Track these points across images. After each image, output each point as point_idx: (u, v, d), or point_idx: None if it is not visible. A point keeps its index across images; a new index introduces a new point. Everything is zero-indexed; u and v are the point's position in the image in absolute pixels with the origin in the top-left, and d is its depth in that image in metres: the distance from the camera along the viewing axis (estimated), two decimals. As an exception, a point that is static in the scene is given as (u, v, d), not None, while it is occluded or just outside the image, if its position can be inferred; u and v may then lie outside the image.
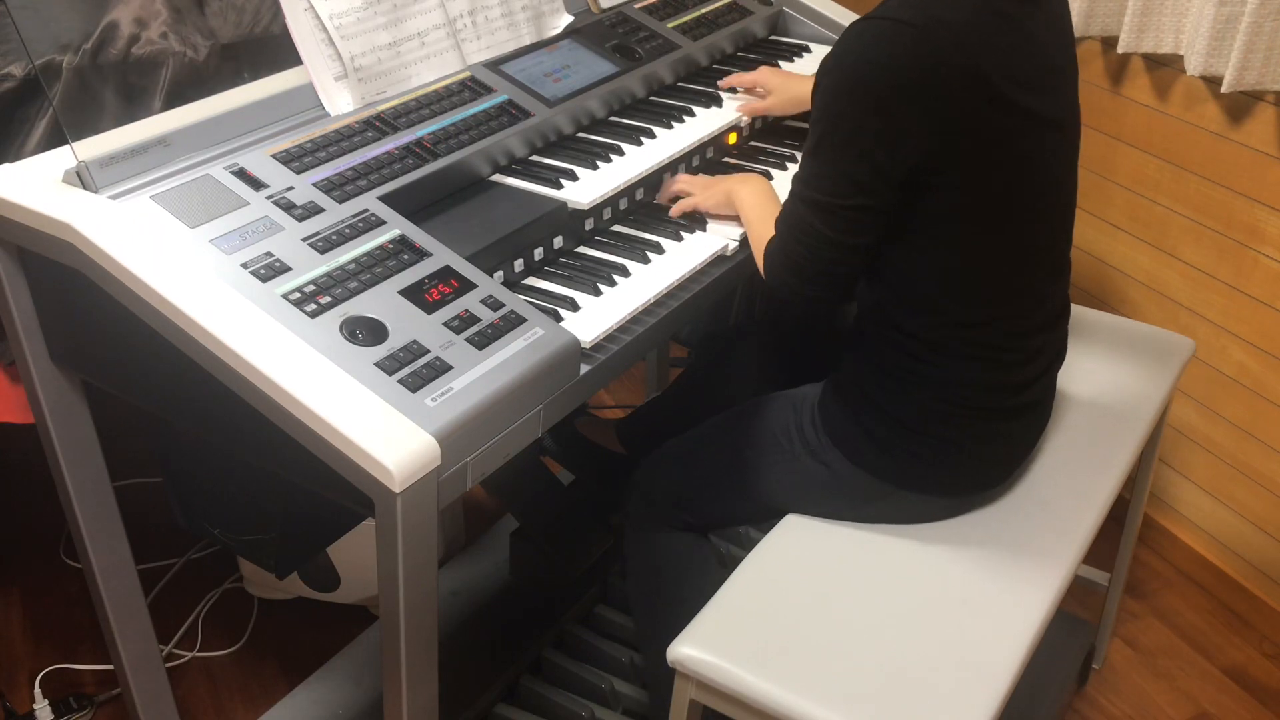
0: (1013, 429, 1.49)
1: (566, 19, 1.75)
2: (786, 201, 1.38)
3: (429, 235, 1.29)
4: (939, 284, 1.36)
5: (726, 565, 1.52)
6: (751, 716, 1.30)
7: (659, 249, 1.48)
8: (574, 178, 1.51)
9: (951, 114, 1.26)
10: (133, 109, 1.46)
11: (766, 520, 1.53)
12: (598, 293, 1.38)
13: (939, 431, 1.42)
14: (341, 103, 1.43)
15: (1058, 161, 1.40)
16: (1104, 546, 1.99)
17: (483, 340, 1.18)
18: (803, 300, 1.40)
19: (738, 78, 1.81)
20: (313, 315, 1.15)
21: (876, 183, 1.28)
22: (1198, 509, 2.34)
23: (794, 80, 1.78)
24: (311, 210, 1.27)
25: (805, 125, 1.86)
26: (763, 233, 1.43)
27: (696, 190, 1.56)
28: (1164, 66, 2.15)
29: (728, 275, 1.50)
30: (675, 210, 1.55)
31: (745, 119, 1.75)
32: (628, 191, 1.56)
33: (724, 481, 1.58)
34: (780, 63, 1.95)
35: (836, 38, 2.17)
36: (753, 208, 1.49)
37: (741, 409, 1.60)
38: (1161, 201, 2.23)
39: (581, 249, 1.49)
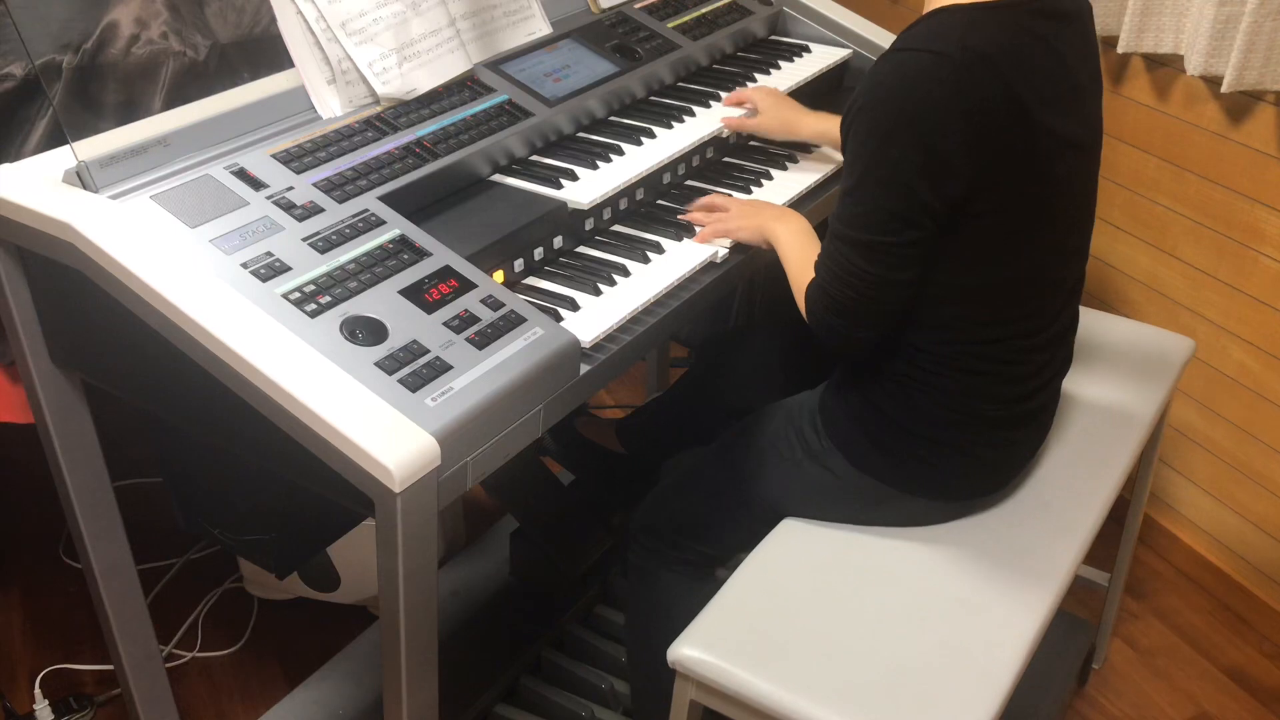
0: (1016, 435, 1.48)
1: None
2: (826, 244, 1.34)
3: (429, 235, 1.29)
4: (954, 302, 1.35)
5: (727, 565, 1.52)
6: (751, 716, 1.30)
7: (659, 249, 1.48)
8: (574, 177, 1.51)
9: (993, 145, 1.25)
10: (133, 109, 1.46)
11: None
12: (598, 292, 1.38)
13: (942, 436, 1.42)
14: (334, 106, 1.43)
15: (1080, 181, 1.39)
16: (1104, 547, 1.99)
17: (483, 340, 1.18)
18: (851, 344, 1.35)
19: (735, 95, 1.76)
20: (313, 315, 1.15)
21: (921, 216, 1.26)
22: (1198, 509, 2.34)
23: (786, 103, 1.74)
24: (311, 210, 1.27)
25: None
26: (802, 277, 1.39)
27: (732, 211, 1.52)
28: (1164, 66, 2.15)
29: (728, 275, 1.50)
30: (705, 232, 1.49)
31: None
32: (628, 191, 1.56)
33: (726, 499, 1.56)
34: (780, 63, 1.94)
35: (837, 38, 2.16)
36: (791, 249, 1.44)
37: (738, 427, 1.59)
38: (1161, 201, 2.23)
39: (581, 249, 1.49)
